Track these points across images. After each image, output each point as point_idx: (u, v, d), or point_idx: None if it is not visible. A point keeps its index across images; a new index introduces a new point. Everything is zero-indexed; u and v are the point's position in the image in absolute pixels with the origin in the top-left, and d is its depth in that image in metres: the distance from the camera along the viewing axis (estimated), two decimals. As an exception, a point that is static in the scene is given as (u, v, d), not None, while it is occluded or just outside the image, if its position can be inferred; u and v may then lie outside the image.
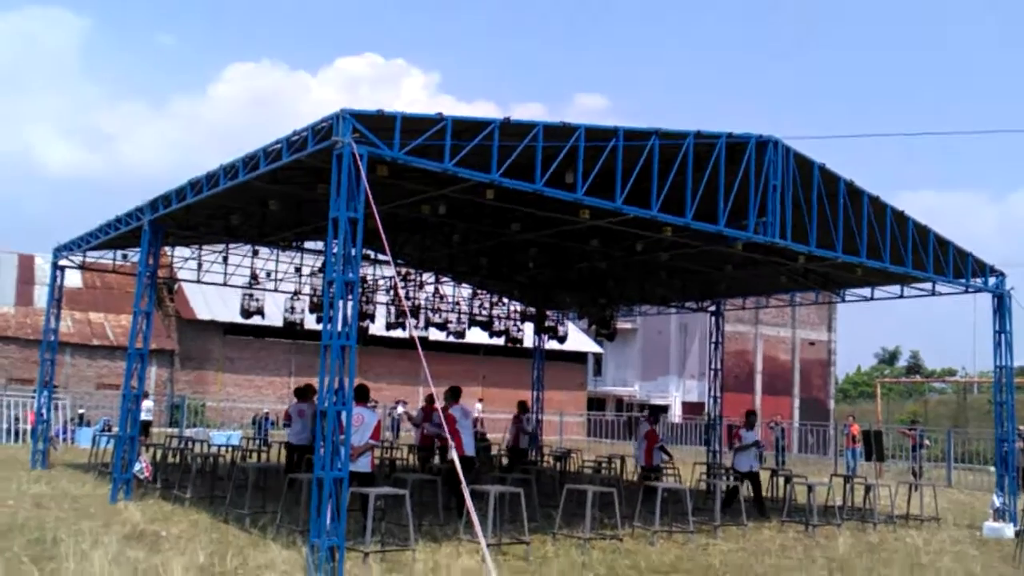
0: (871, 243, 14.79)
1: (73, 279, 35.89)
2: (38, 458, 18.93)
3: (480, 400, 42.77)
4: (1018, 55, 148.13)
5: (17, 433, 26.51)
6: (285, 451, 17.43)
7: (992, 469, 19.98)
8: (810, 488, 14.83)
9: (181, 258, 21.34)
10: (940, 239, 15.99)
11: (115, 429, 21.79)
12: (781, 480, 17.59)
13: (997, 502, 16.04)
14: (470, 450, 13.81)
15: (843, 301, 20.80)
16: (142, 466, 15.58)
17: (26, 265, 40.89)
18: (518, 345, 26.01)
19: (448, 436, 12.09)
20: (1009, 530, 14.81)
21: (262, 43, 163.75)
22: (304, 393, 16.99)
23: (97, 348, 37.06)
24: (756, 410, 18.38)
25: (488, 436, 25.92)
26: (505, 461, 21.01)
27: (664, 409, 49.90)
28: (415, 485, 12.61)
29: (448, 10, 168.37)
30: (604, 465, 20.34)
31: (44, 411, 19.70)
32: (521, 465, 19.06)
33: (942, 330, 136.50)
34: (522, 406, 21.16)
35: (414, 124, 10.06)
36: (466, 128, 10.49)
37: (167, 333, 38.65)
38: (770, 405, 50.43)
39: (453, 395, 14.37)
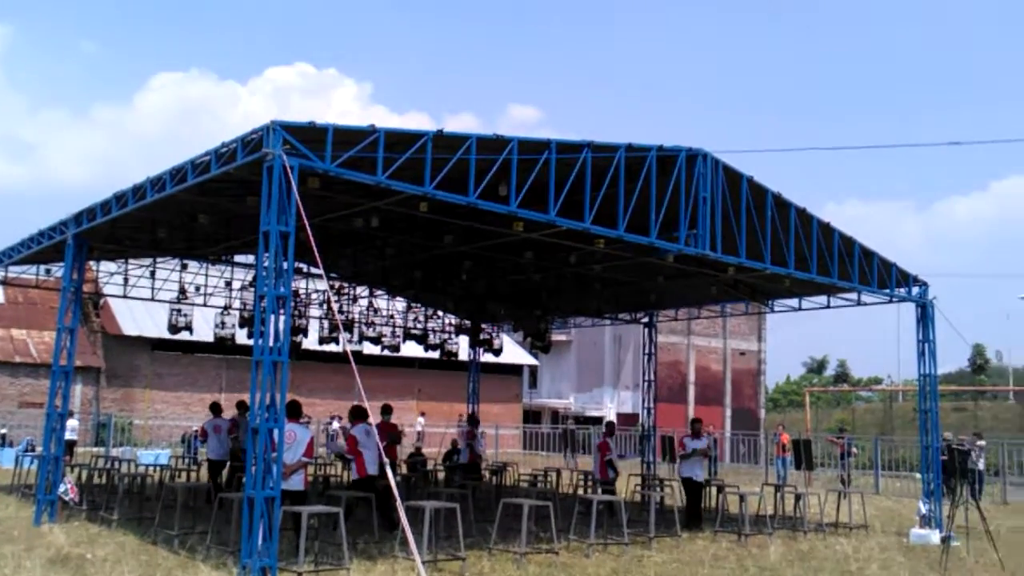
0: (799, 254, 15.06)
1: (-7, 295, 34.88)
2: (-44, 481, 18.30)
3: (422, 414, 42.66)
4: (945, 66, 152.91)
5: (-66, 455, 25.58)
6: (208, 468, 17.76)
7: (918, 476, 20.45)
8: (742, 498, 15.02)
9: (107, 273, 20.86)
10: (865, 250, 16.35)
11: (39, 449, 21.17)
12: (714, 490, 17.79)
13: (923, 509, 16.40)
14: (372, 469, 13.36)
15: (772, 311, 21.15)
16: (67, 487, 15.14)
17: (-56, 281, 39.60)
18: (453, 359, 25.93)
19: (350, 457, 11.91)
20: (935, 536, 15.15)
21: (190, 52, 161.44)
22: (217, 409, 18.04)
23: (20, 365, 36.01)
24: (699, 419, 18.28)
25: (424, 451, 25.76)
26: (446, 477, 20.81)
27: (599, 421, 50.13)
28: (349, 503, 12.45)
29: (381, 20, 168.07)
30: (540, 478, 20.36)
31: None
32: (470, 481, 18.90)
33: (868, 339, 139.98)
34: (472, 420, 20.84)
35: (346, 136, 9.98)
36: (399, 140, 10.44)
37: (93, 350, 37.72)
38: (702, 415, 50.54)
39: (358, 414, 13.68)
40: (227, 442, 17.38)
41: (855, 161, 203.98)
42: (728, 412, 54.79)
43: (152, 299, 21.31)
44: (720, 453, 35.08)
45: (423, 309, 24.81)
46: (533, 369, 53.55)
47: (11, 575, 9.27)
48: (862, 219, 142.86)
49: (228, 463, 17.41)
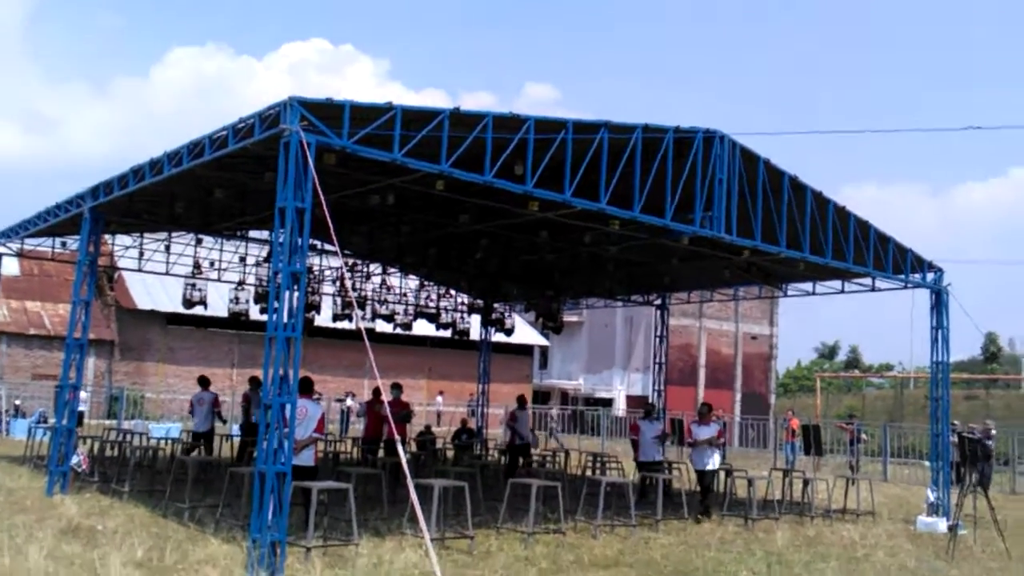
0: (814, 238, 14.99)
1: (10, 267, 34.98)
2: (-30, 450, 18.46)
3: (440, 393, 42.89)
4: (965, 49, 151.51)
5: (-52, 424, 25.83)
6: (191, 440, 18.31)
7: (927, 464, 20.41)
8: (750, 482, 15.03)
9: (122, 246, 20.93)
10: (881, 235, 16.26)
11: (51, 421, 21.34)
12: (722, 474, 17.78)
13: (931, 496, 16.39)
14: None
15: (785, 295, 21.09)
16: (79, 459, 15.26)
17: (-41, 252, 39.81)
18: (465, 338, 25.96)
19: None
20: (942, 524, 15.14)
21: (207, 26, 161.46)
22: (204, 383, 18.15)
23: (33, 338, 36.25)
24: (708, 403, 17.75)
25: (434, 429, 25.84)
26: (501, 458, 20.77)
27: (608, 403, 50.24)
28: (359, 479, 12.52)
29: None
30: (549, 459, 20.40)
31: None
32: (526, 462, 18.90)
33: (881, 325, 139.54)
34: (520, 401, 20.56)
35: (363, 113, 9.96)
36: (416, 118, 10.42)
37: (106, 323, 37.91)
38: (712, 399, 50.74)
39: (394, 389, 13.97)
40: (211, 416, 17.63)
41: (873, 144, 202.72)
42: (738, 396, 54.77)
43: (167, 273, 21.39)
44: (729, 437, 35.09)
45: (436, 288, 24.83)
46: (544, 350, 53.61)
47: (23, 545, 9.34)
48: (878, 202, 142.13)
49: (209, 437, 17.84)
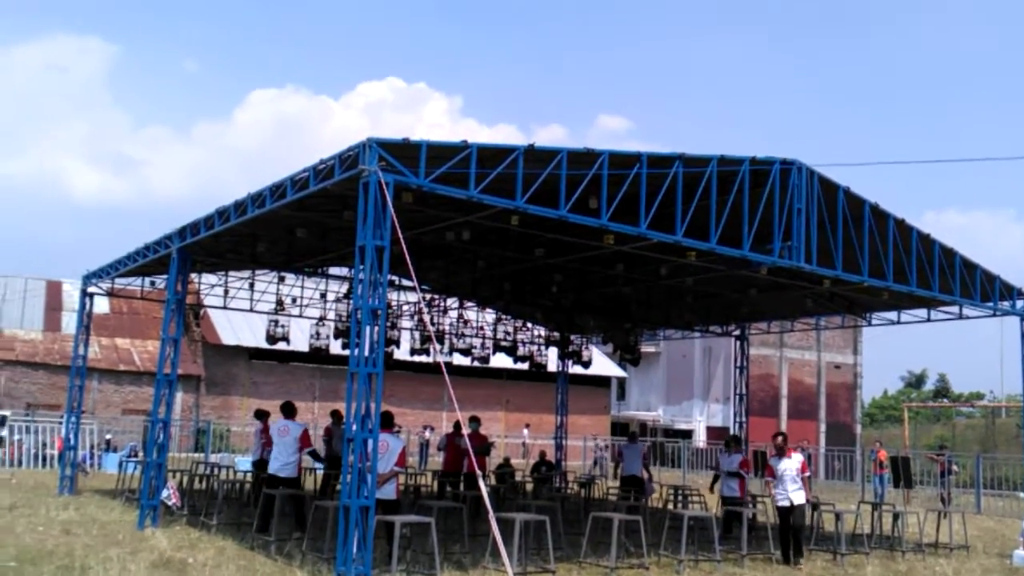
0: (897, 266, 14.70)
1: (101, 305, 36.21)
2: (66, 484, 19.04)
3: (527, 426, 42.88)
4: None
5: (45, 459, 26.71)
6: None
7: (1022, 495, 19.71)
8: (838, 516, 14.68)
9: (208, 284, 21.51)
10: (967, 262, 15.88)
11: (141, 455, 21.92)
12: (809, 508, 17.41)
13: (1029, 529, 15.80)
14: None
15: (869, 324, 20.67)
16: (169, 492, 15.63)
17: (54, 291, 41.31)
18: (542, 370, 25.98)
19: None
20: (1041, 558, 14.58)
21: (286, 69, 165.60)
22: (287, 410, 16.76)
23: (124, 373, 37.34)
24: (738, 435, 16.98)
25: (513, 461, 25.84)
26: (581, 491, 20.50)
27: (688, 434, 49.62)
28: (440, 512, 12.59)
29: (469, 33, 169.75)
30: (629, 492, 20.20)
31: (72, 437, 19.83)
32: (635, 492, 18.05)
33: (970, 353, 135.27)
34: (631, 436, 20.24)
35: (439, 152, 10.14)
36: (491, 155, 10.56)
37: (193, 359, 38.89)
38: (796, 429, 49.95)
39: (472, 422, 14.14)
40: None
41: (954, 169, 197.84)
42: (823, 427, 53.57)
43: (251, 310, 21.92)
44: (814, 469, 34.33)
45: (512, 321, 24.93)
46: (621, 381, 53.27)
47: (118, 577, 9.61)
48: (962, 228, 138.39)
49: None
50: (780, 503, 13.58)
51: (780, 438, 14.01)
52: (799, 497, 13.45)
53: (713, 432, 49.52)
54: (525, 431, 42.53)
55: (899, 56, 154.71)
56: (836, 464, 37.64)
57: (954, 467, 26.96)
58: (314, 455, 15.45)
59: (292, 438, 13.64)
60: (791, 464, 13.53)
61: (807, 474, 13.64)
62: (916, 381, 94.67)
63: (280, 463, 13.68)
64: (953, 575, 13.21)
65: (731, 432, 23.27)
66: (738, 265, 14.73)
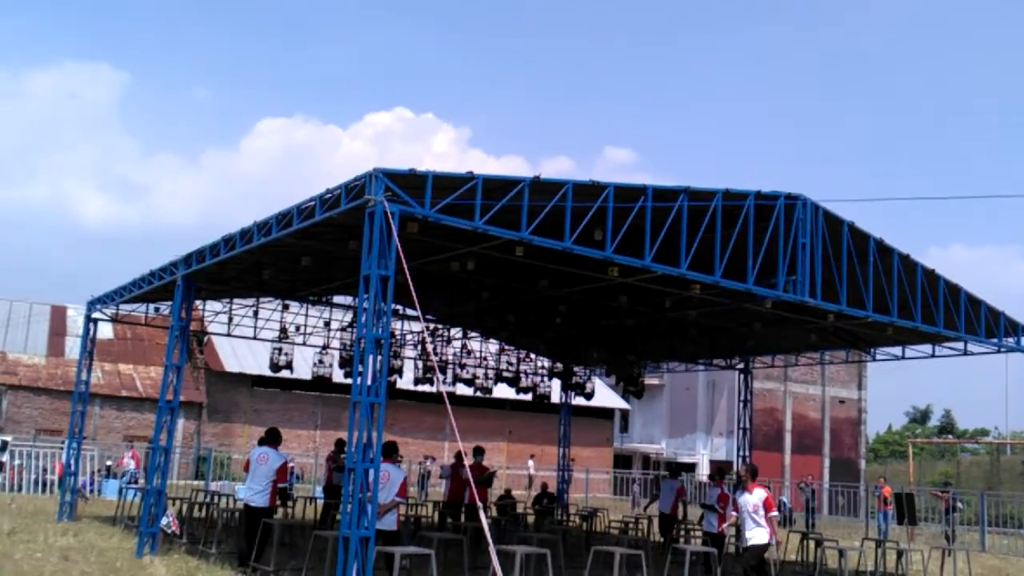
0: (902, 301, 14.69)
1: (104, 331, 36.18)
2: (65, 510, 18.95)
3: (532, 456, 42.69)
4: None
5: (45, 484, 26.60)
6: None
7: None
8: (841, 552, 14.58)
9: (212, 312, 21.53)
10: (972, 298, 15.86)
11: (142, 482, 21.83)
12: (812, 543, 17.29)
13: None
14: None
15: (874, 360, 20.61)
16: (169, 520, 15.56)
17: (58, 316, 41.35)
18: (545, 401, 25.92)
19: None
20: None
21: (294, 98, 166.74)
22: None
23: (126, 399, 37.27)
24: (723, 467, 16.23)
25: (515, 493, 25.70)
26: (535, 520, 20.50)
27: (691, 467, 49.35)
28: (440, 544, 12.50)
29: (477, 65, 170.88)
30: (631, 525, 20.09)
31: (72, 462, 19.75)
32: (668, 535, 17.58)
33: (975, 388, 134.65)
34: (673, 470, 19.37)
35: (445, 182, 10.17)
36: (496, 186, 10.59)
37: (195, 385, 38.82)
38: (799, 464, 49.76)
39: (476, 453, 14.06)
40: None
41: (958, 205, 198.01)
42: (827, 462, 53.25)
43: (255, 338, 21.92)
44: (818, 504, 34.09)
45: (516, 352, 24.90)
46: (624, 413, 53.05)
47: (116, 605, 9.54)
48: (967, 264, 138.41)
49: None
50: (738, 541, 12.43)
51: (743, 467, 12.89)
52: (758, 536, 11.78)
53: (716, 466, 49.28)
54: (530, 462, 42.34)
55: (906, 92, 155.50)
56: (840, 500, 37.42)
57: (959, 504, 26.75)
58: (283, 494, 14.39)
59: (270, 468, 12.97)
60: (750, 500, 11.89)
61: (773, 513, 11.88)
62: (921, 417, 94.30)
63: (253, 492, 12.86)
64: (958, 614, 13.08)
65: (734, 467, 23.09)
66: (742, 298, 14.73)
